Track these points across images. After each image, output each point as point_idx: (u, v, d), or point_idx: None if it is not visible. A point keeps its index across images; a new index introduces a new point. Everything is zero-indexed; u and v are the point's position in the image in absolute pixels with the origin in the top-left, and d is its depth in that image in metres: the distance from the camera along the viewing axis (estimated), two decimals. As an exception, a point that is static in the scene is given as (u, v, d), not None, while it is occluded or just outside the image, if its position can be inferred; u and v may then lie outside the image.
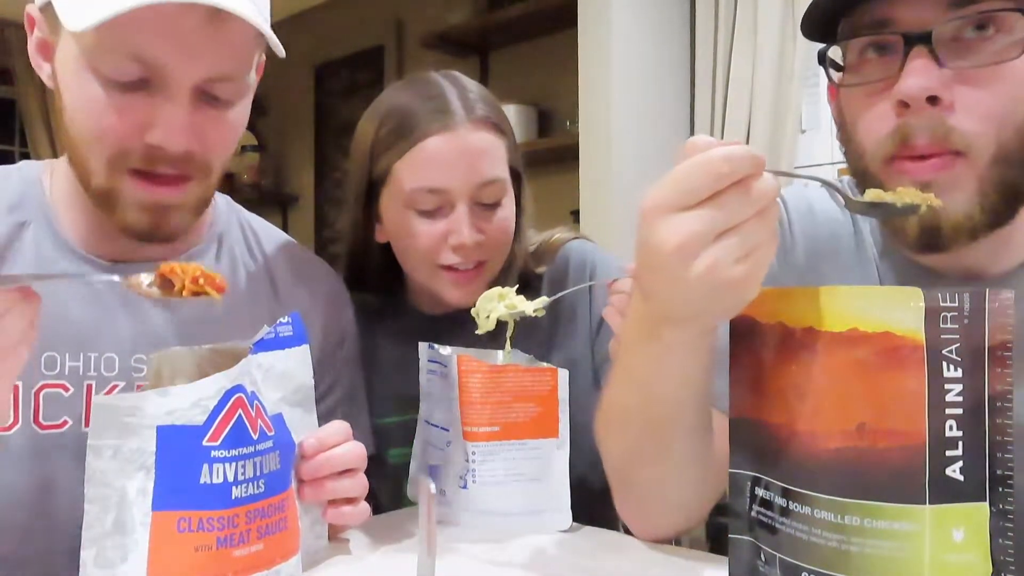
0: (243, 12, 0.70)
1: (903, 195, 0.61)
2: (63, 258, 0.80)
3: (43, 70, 0.78)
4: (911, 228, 0.67)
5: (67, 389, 0.77)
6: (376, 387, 1.04)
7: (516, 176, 1.04)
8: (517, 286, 0.81)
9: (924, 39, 0.64)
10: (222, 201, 0.94)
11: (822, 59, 0.72)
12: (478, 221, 0.97)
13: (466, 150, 0.96)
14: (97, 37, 0.69)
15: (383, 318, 1.09)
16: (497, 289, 0.79)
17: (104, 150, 0.73)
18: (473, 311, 0.80)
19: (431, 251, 0.98)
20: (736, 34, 2.29)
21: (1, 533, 0.75)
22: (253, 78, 0.80)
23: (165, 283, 0.71)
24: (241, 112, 0.79)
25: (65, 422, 0.77)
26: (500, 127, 1.00)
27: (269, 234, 0.96)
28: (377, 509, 1.00)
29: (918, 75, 0.64)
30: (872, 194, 0.61)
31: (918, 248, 0.69)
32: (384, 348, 1.07)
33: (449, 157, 0.95)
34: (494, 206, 0.99)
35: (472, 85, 1.02)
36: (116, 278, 0.63)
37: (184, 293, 0.69)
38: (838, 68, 0.73)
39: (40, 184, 0.84)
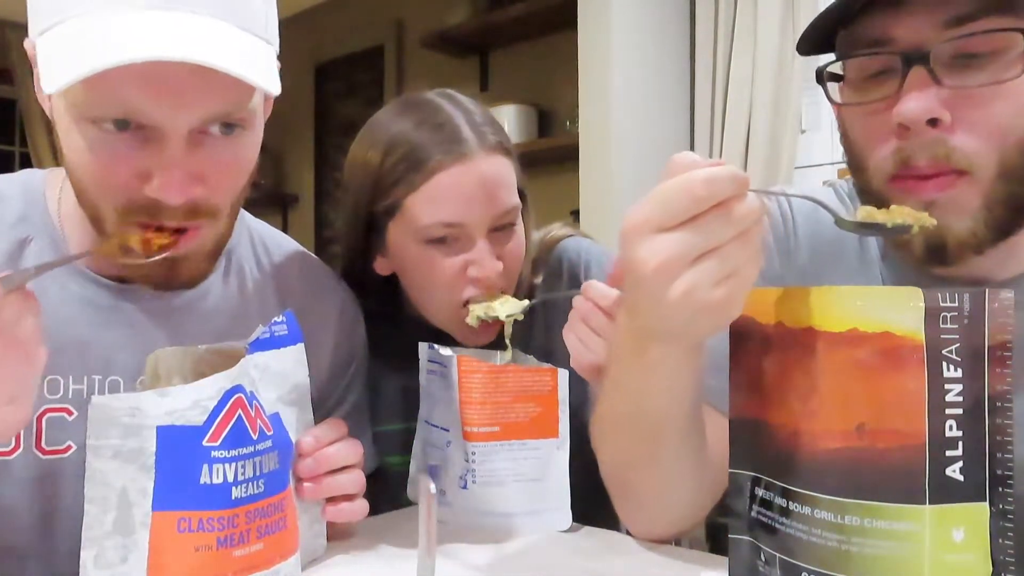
0: (227, 66, 0.64)
1: (895, 214, 0.60)
2: (69, 278, 0.78)
3: (46, 105, 0.75)
4: (916, 245, 0.67)
5: (71, 413, 0.76)
6: (377, 396, 1.04)
7: (523, 198, 1.01)
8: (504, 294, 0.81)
9: (923, 59, 0.63)
10: None
11: (820, 77, 0.72)
12: (496, 249, 0.95)
13: (483, 181, 0.93)
14: (83, 91, 0.65)
15: (381, 325, 1.07)
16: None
17: (110, 200, 0.71)
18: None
19: (451, 286, 0.95)
20: (736, 34, 2.28)
21: (3, 558, 0.75)
22: (258, 108, 0.76)
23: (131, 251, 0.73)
24: (248, 143, 0.75)
25: (69, 447, 0.76)
26: (508, 150, 0.97)
27: (280, 246, 0.94)
28: (376, 514, 1.01)
29: (917, 98, 0.63)
30: (864, 212, 0.60)
31: (924, 263, 0.69)
32: (382, 356, 1.06)
33: (466, 190, 0.92)
34: (508, 231, 0.97)
35: (473, 106, 0.99)
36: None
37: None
38: (838, 79, 0.73)
39: (44, 198, 0.81)
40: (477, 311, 0.76)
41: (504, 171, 0.95)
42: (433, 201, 0.92)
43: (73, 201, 0.78)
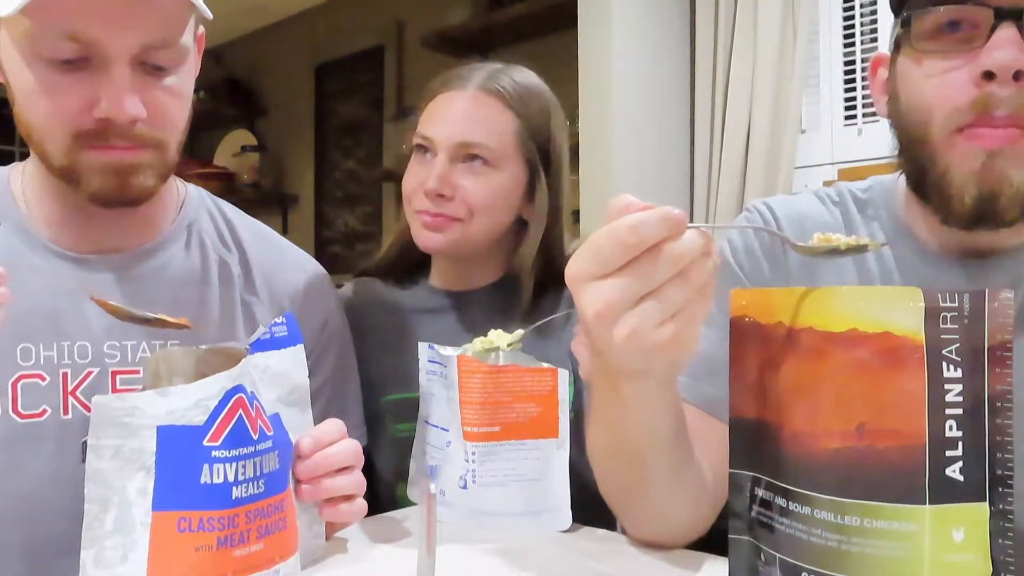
0: None
1: (845, 241, 0.60)
2: (34, 254, 0.83)
3: None
4: (968, 196, 0.68)
5: (44, 378, 0.80)
6: (392, 363, 1.06)
7: (532, 167, 1.08)
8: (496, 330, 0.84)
9: (1015, 15, 0.65)
10: (194, 192, 0.97)
11: (907, 23, 0.72)
12: (455, 175, 1.04)
13: (461, 109, 1.04)
14: (30, 22, 0.72)
15: (403, 299, 1.15)
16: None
17: (59, 132, 0.76)
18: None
19: (411, 194, 1.06)
20: (736, 34, 2.28)
21: None
22: (191, 44, 0.81)
23: None
24: (183, 81, 0.81)
25: (44, 411, 0.79)
26: (515, 107, 1.05)
27: (245, 224, 0.98)
28: (379, 485, 1.05)
29: (1009, 48, 0.64)
30: (818, 237, 0.61)
31: (969, 220, 0.70)
32: (401, 326, 1.11)
33: (444, 113, 1.05)
34: (476, 166, 1.04)
35: (517, 73, 1.09)
36: None
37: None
38: (898, 43, 0.74)
39: (8, 185, 0.87)
40: (475, 346, 0.79)
41: (487, 112, 1.04)
42: (424, 120, 1.07)
43: (36, 184, 0.85)
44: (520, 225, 1.12)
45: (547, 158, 1.09)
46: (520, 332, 0.80)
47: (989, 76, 0.65)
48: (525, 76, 1.10)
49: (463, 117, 1.04)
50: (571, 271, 0.55)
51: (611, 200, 0.54)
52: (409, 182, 1.08)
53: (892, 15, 0.77)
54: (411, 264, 1.16)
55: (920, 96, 0.71)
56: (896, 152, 0.77)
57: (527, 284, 1.08)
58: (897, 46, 0.76)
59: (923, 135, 0.71)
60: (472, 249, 1.08)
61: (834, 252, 0.59)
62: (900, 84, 0.74)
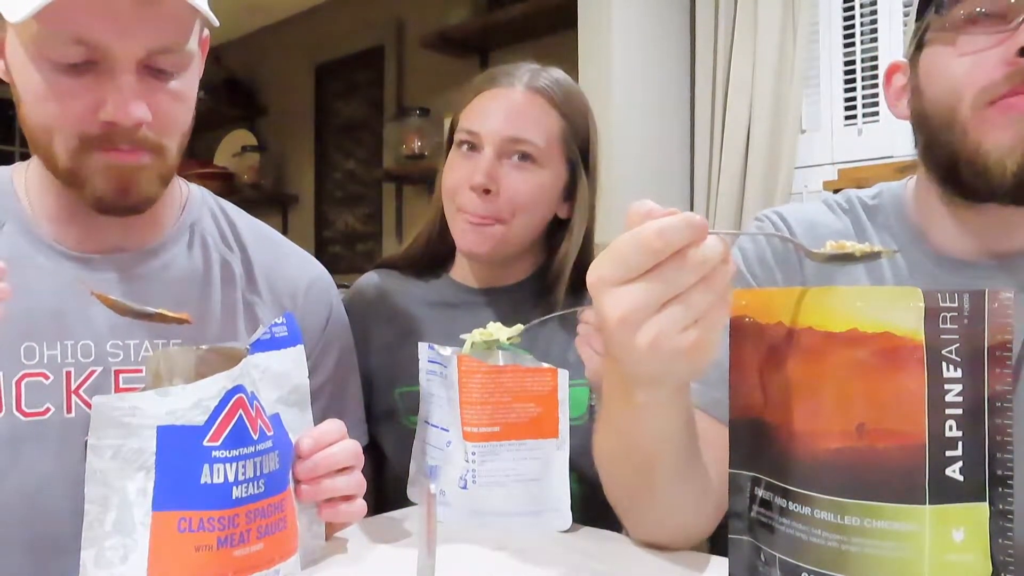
0: None
1: (860, 248, 0.61)
2: (38, 253, 0.83)
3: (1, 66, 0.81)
4: (1012, 163, 0.70)
5: (47, 377, 0.80)
6: (406, 356, 1.06)
7: (573, 166, 1.09)
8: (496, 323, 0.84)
9: None
10: (196, 192, 0.97)
11: (941, 7, 0.74)
12: (502, 175, 1.04)
13: (507, 105, 1.05)
14: (39, 26, 0.72)
15: (422, 292, 1.15)
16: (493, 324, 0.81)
17: (64, 135, 0.76)
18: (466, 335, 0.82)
19: (456, 188, 1.07)
20: (736, 34, 2.28)
21: None
22: (195, 49, 0.82)
23: None
24: (187, 85, 0.81)
25: (48, 409, 0.79)
26: (560, 107, 1.07)
27: (247, 224, 0.98)
28: (391, 477, 1.06)
29: None
30: (832, 244, 0.61)
31: (1011, 191, 0.71)
32: (417, 319, 1.12)
33: (490, 108, 1.06)
34: (520, 162, 1.05)
35: (558, 74, 1.10)
36: None
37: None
38: (922, 40, 0.75)
39: (11, 184, 0.87)
40: (473, 337, 0.79)
41: (536, 110, 1.06)
42: (468, 112, 1.08)
43: (39, 184, 0.85)
44: (554, 225, 1.12)
45: (587, 158, 1.10)
46: (520, 327, 0.80)
47: (1023, 53, 0.67)
48: (565, 77, 1.11)
49: (512, 113, 1.05)
50: (593, 276, 0.55)
51: (632, 205, 0.54)
52: (451, 178, 1.08)
53: (914, 17, 0.78)
54: (437, 258, 1.17)
55: (950, 76, 0.72)
56: (921, 149, 0.77)
57: (564, 283, 1.09)
58: (919, 45, 0.77)
59: (951, 117, 0.72)
60: (512, 250, 1.09)
61: (849, 259, 0.59)
62: (926, 73, 0.76)
